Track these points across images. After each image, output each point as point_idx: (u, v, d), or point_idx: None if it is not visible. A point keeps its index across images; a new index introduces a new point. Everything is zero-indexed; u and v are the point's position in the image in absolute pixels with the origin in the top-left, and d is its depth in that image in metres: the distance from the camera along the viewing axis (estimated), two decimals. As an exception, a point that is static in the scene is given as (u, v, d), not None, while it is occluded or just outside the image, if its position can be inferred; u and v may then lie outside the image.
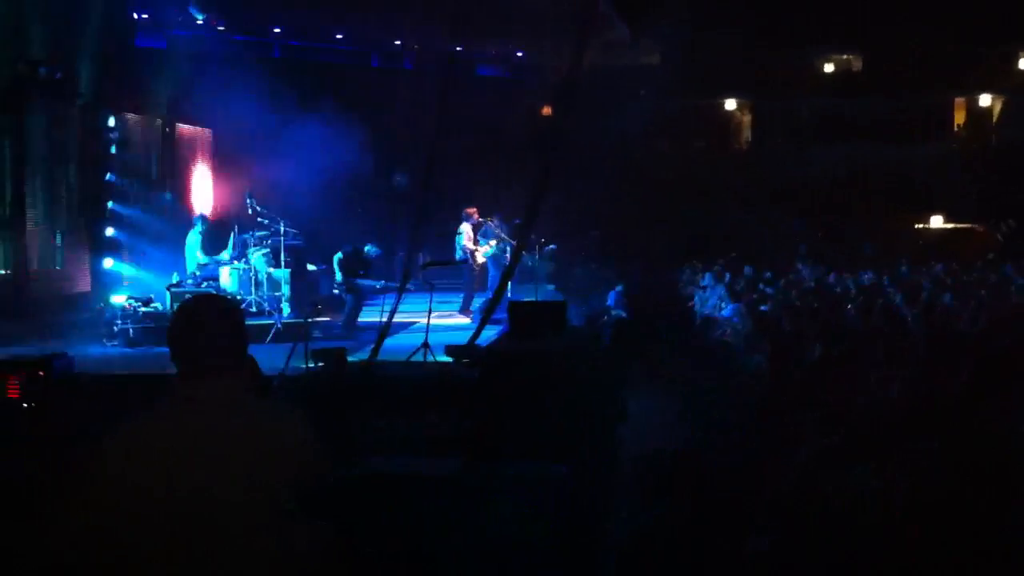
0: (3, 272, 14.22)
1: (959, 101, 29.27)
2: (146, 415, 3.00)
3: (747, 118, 30.01)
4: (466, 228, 15.98)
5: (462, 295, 16.07)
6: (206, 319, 3.04)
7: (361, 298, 14.71)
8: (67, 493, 2.85)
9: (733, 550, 4.27)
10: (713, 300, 15.33)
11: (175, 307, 13.73)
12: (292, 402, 3.55)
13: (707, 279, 17.31)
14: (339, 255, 14.89)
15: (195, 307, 3.15)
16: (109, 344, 13.59)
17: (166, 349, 3.09)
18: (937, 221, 27.77)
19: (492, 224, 16.08)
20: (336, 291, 15.34)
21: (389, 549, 4.95)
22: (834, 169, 26.07)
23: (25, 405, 9.18)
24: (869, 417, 5.68)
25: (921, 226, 27.78)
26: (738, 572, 4.24)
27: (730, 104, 29.58)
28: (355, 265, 14.80)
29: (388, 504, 5.26)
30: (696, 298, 16.44)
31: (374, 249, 15.20)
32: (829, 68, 28.86)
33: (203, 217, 15.31)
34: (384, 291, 14.92)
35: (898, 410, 5.95)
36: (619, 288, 16.85)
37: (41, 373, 9.63)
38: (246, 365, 3.13)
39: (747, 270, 17.90)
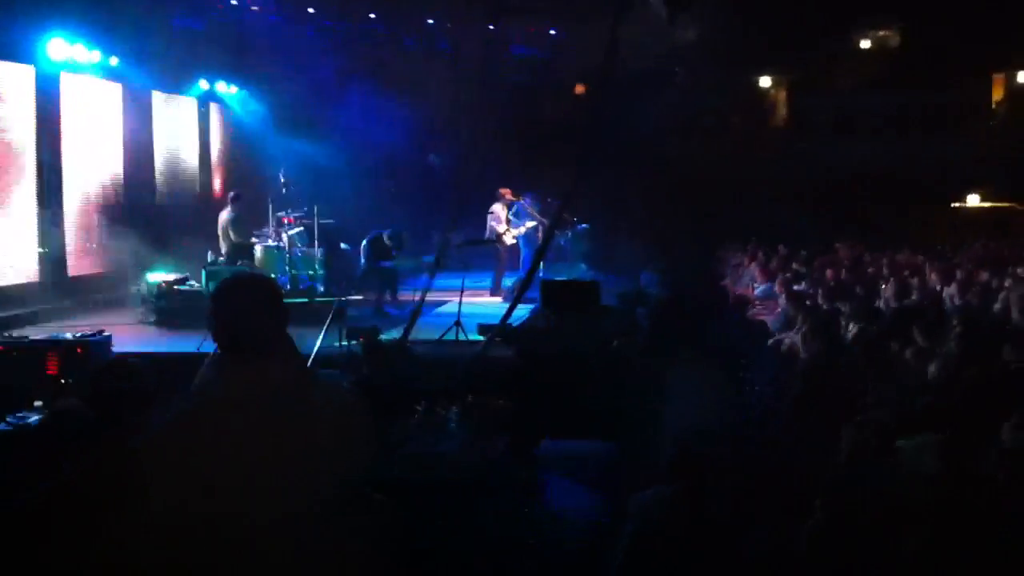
0: (42, 251, 14.38)
1: (997, 78, 28.85)
2: (190, 399, 2.96)
3: (782, 96, 29.73)
4: (496, 209, 15.96)
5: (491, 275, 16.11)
6: (246, 298, 3.01)
7: (389, 282, 14.72)
8: (119, 488, 2.84)
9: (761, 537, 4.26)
10: (746, 279, 15.24)
11: (210, 286, 13.89)
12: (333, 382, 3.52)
13: (740, 258, 17.21)
14: (365, 242, 14.94)
15: (234, 286, 3.13)
16: (145, 322, 13.74)
17: (201, 328, 3.08)
18: (974, 200, 27.42)
19: (525, 203, 16.05)
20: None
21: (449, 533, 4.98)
22: (870, 147, 25.83)
23: (63, 381, 9.32)
24: (908, 395, 5.65)
25: (958, 205, 27.44)
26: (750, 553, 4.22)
27: (764, 82, 29.31)
28: (379, 251, 14.80)
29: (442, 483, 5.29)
30: (729, 276, 16.35)
31: (388, 232, 15.06)
32: (866, 44, 28.50)
33: (238, 196, 15.39)
34: (415, 271, 14.95)
35: (937, 388, 5.91)
36: (653, 268, 16.80)
37: (79, 351, 9.77)
38: (285, 344, 3.12)
39: (781, 249, 17.76)
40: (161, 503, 2.76)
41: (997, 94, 29.07)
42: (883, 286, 12.20)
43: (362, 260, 14.95)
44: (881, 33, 28.50)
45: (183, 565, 2.77)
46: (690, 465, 4.44)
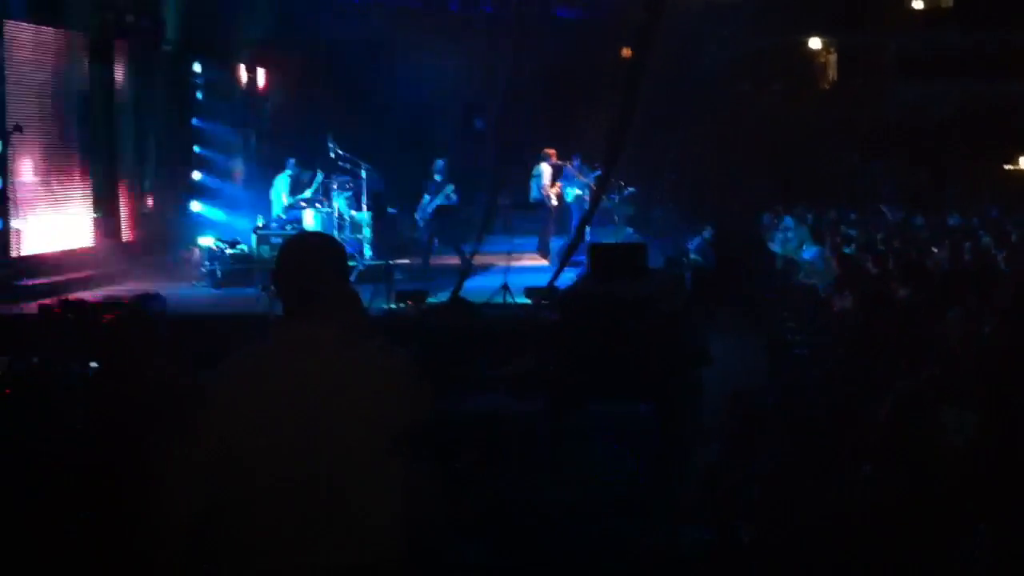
0: (96, 215, 14.62)
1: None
2: (254, 349, 3.01)
3: (831, 57, 29.26)
4: (544, 168, 15.91)
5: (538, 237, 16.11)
6: (315, 254, 3.01)
7: (446, 225, 14.68)
8: (182, 423, 2.91)
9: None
10: (795, 242, 15.14)
11: (261, 249, 14.04)
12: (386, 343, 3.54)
13: (788, 221, 17.07)
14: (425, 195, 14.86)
15: (303, 243, 3.15)
16: (197, 285, 13.94)
17: (252, 290, 3.12)
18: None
19: (572, 167, 16.00)
20: (415, 234, 15.46)
21: (485, 482, 5.05)
22: (921, 108, 25.40)
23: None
24: (959, 359, 5.61)
25: (1011, 167, 26.97)
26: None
27: (814, 43, 28.83)
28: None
29: (485, 441, 5.35)
30: (777, 240, 16.24)
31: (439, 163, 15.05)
32: (918, 5, 27.95)
33: (294, 161, 15.51)
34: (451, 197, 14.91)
35: (990, 352, 5.86)
36: (703, 235, 16.71)
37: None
38: (351, 302, 3.12)
39: (832, 213, 17.62)
40: (204, 443, 2.84)
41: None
42: (935, 249, 12.09)
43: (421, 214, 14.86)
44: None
45: (224, 507, 2.84)
46: (740, 421, 4.45)
